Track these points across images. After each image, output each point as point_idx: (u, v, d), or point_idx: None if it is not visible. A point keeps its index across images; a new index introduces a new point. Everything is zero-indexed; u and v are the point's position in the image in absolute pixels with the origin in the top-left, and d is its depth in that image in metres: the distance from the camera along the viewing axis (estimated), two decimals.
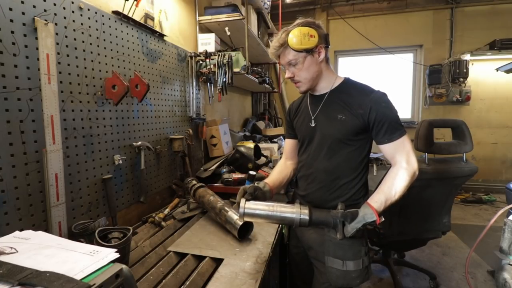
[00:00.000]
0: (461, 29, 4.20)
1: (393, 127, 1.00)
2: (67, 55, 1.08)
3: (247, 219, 1.01)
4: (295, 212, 0.97)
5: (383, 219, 0.94)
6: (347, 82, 1.12)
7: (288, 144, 1.34)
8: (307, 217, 0.96)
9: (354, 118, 1.03)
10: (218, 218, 1.29)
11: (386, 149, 1.03)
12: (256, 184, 1.13)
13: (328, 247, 1.07)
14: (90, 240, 0.95)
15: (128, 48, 1.42)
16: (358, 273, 1.04)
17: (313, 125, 1.14)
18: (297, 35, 1.00)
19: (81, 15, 1.14)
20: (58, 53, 1.04)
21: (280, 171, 1.30)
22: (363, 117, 1.02)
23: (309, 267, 1.24)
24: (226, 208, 1.27)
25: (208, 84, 2.19)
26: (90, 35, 1.19)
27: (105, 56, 1.27)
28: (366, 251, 1.08)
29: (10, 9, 0.88)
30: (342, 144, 1.07)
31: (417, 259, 2.53)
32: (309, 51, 1.03)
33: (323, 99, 1.12)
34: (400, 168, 1.00)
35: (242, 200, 1.00)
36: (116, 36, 1.34)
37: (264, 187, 1.14)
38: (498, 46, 3.80)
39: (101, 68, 1.24)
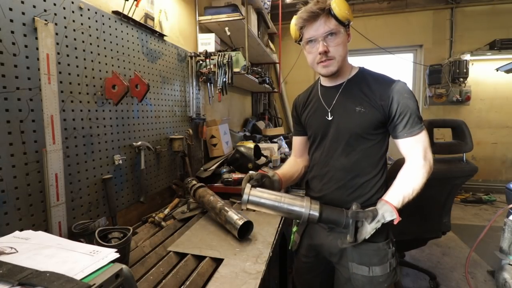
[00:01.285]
0: (461, 29, 4.20)
1: (413, 120, 0.93)
2: (67, 55, 1.08)
3: (250, 207, 0.92)
4: (304, 206, 0.90)
5: (400, 218, 0.87)
6: (363, 72, 1.04)
7: (297, 142, 1.25)
8: (317, 214, 0.89)
9: (375, 110, 0.96)
10: (218, 218, 1.29)
11: (404, 144, 0.96)
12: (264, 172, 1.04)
13: (351, 253, 1.00)
14: (90, 240, 0.95)
15: (128, 48, 1.42)
16: (385, 277, 0.98)
17: (330, 118, 1.04)
18: (343, 2, 0.91)
19: (81, 15, 1.14)
20: (58, 53, 1.04)
21: (291, 166, 1.23)
22: (384, 109, 0.95)
23: (316, 278, 1.18)
24: (226, 208, 1.27)
25: (208, 84, 2.19)
26: (90, 35, 1.19)
27: (105, 56, 1.27)
28: (393, 253, 1.02)
29: (10, 9, 0.88)
30: (361, 139, 0.99)
31: (417, 259, 2.53)
32: (347, 26, 0.96)
33: (339, 90, 1.03)
34: (417, 164, 0.93)
35: (248, 186, 0.93)
36: (116, 36, 1.34)
37: (273, 176, 1.05)
38: (498, 46, 3.80)
39: (101, 68, 1.24)
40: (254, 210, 1.00)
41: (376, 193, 1.01)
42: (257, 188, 0.94)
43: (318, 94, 1.11)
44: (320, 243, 1.12)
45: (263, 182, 1.01)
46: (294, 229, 1.23)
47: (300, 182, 1.38)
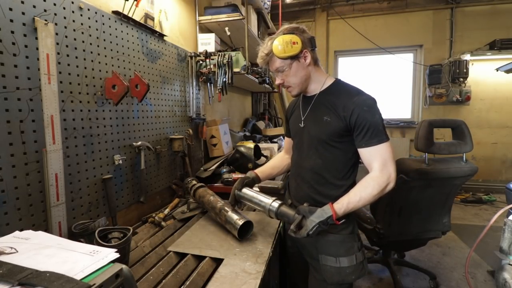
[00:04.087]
0: (461, 29, 4.20)
1: (372, 132, 0.99)
2: (67, 55, 1.08)
3: (239, 198, 1.24)
4: (266, 202, 1.13)
5: (344, 220, 0.98)
6: (337, 84, 1.13)
7: (287, 142, 1.41)
8: (274, 209, 1.09)
9: (338, 120, 1.04)
10: (218, 218, 1.29)
11: (363, 154, 1.03)
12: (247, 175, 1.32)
13: (321, 245, 1.10)
14: (90, 240, 0.95)
15: (128, 48, 1.42)
16: (352, 269, 1.06)
17: (302, 125, 1.16)
18: (280, 43, 1.03)
19: (81, 15, 1.14)
20: (58, 53, 1.04)
21: (273, 164, 1.42)
22: (346, 120, 1.02)
23: (305, 266, 1.26)
24: (226, 208, 1.27)
25: (208, 84, 2.19)
26: (90, 35, 1.19)
27: (105, 56, 1.27)
28: (359, 247, 1.10)
29: (10, 9, 0.88)
30: (327, 146, 1.08)
31: (417, 259, 2.52)
32: (294, 58, 1.05)
33: (312, 101, 1.14)
34: (371, 176, 1.00)
35: (235, 187, 1.25)
36: (116, 36, 1.34)
37: (252, 176, 1.32)
38: (498, 46, 3.80)
39: (101, 68, 1.24)
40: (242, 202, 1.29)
41: (341, 194, 1.07)
42: (246, 188, 1.24)
43: (300, 103, 1.22)
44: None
45: (246, 182, 1.27)
46: (281, 224, 1.37)
47: None
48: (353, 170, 1.12)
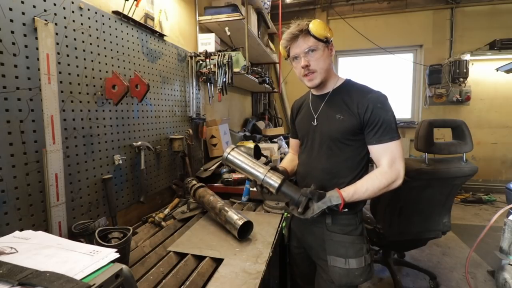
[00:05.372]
0: (461, 29, 4.20)
1: (384, 129, 1.00)
2: (67, 55, 1.08)
3: (228, 164, 1.10)
4: (262, 172, 1.03)
5: (346, 210, 0.99)
6: (348, 83, 1.14)
7: (293, 142, 1.39)
8: (275, 184, 1.02)
9: (352, 117, 1.04)
10: (218, 218, 1.29)
11: (374, 151, 1.03)
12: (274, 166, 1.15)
13: (330, 246, 1.08)
14: (90, 240, 0.95)
15: (128, 48, 1.42)
16: (361, 271, 1.05)
17: (315, 124, 1.15)
18: (319, 23, 1.02)
19: (81, 15, 1.14)
20: (58, 53, 1.04)
21: (291, 159, 1.36)
22: (360, 117, 1.03)
23: (310, 267, 1.24)
24: (226, 208, 1.27)
25: (208, 84, 2.19)
26: (90, 35, 1.19)
27: (105, 56, 1.27)
28: (367, 249, 1.09)
29: (10, 9, 0.88)
30: (340, 144, 1.08)
31: (417, 259, 2.53)
32: (327, 43, 1.05)
33: (325, 99, 1.13)
34: (380, 171, 1.00)
35: (230, 147, 1.11)
36: (116, 36, 1.34)
37: (278, 167, 1.19)
38: (498, 46, 3.80)
39: (101, 68, 1.24)
40: (231, 167, 1.16)
41: None
42: (237, 150, 1.09)
43: (309, 102, 1.21)
44: (300, 236, 1.23)
45: (277, 169, 1.13)
46: (284, 224, 1.34)
47: None
48: (365, 170, 1.12)
